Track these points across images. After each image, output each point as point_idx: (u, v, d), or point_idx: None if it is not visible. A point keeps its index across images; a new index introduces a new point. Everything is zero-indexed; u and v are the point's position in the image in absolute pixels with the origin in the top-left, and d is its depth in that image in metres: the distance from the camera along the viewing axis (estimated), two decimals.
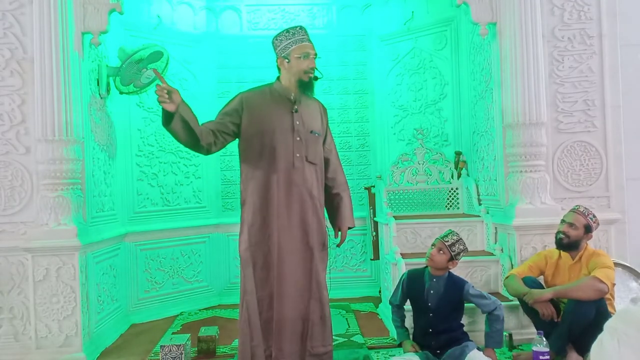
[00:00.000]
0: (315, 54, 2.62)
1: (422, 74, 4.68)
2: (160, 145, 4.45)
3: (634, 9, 3.73)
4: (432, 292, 2.86)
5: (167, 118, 2.33)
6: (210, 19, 4.80)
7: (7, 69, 3.28)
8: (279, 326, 2.51)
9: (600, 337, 1.26)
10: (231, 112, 2.60)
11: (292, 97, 2.63)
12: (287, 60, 2.60)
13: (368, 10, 4.94)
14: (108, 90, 3.83)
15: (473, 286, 2.90)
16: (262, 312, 2.53)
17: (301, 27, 2.64)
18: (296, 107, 2.63)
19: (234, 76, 4.82)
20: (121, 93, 3.93)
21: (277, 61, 2.66)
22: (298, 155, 2.57)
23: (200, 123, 2.48)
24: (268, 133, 2.57)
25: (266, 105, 2.62)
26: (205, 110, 4.64)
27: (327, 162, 2.77)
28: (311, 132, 2.64)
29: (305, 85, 2.61)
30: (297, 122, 2.61)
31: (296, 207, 2.56)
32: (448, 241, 2.84)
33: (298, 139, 2.59)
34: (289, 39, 2.60)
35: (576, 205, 3.11)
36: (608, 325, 1.25)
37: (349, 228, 2.78)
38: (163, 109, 2.28)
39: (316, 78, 2.60)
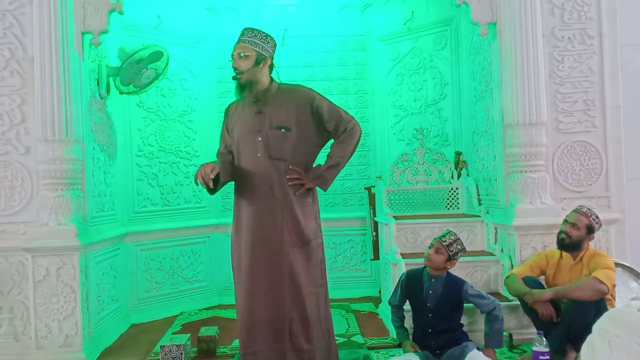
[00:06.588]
0: (240, 53, 2.55)
1: (422, 74, 4.68)
2: (160, 145, 4.45)
3: (634, 9, 3.73)
4: (431, 292, 2.86)
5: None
6: (210, 19, 4.80)
7: (7, 69, 3.28)
8: (253, 326, 2.52)
9: (589, 338, 1.21)
10: (226, 132, 2.76)
11: (253, 99, 2.63)
12: None
13: (368, 11, 4.93)
14: (108, 90, 3.83)
15: (472, 286, 2.90)
16: (243, 315, 2.57)
17: (244, 29, 2.62)
18: (259, 108, 2.62)
19: None
20: (121, 93, 3.93)
21: None
22: (259, 155, 2.58)
23: (219, 155, 2.77)
24: (235, 139, 2.67)
25: (236, 113, 2.71)
26: (206, 110, 4.68)
27: (336, 134, 2.67)
28: (277, 127, 2.59)
29: (237, 87, 2.61)
30: (260, 123, 2.60)
31: (264, 207, 2.57)
32: (445, 241, 2.84)
33: (259, 139, 2.59)
34: None
35: (579, 206, 3.10)
36: (597, 327, 1.21)
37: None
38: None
39: (234, 78, 2.58)
